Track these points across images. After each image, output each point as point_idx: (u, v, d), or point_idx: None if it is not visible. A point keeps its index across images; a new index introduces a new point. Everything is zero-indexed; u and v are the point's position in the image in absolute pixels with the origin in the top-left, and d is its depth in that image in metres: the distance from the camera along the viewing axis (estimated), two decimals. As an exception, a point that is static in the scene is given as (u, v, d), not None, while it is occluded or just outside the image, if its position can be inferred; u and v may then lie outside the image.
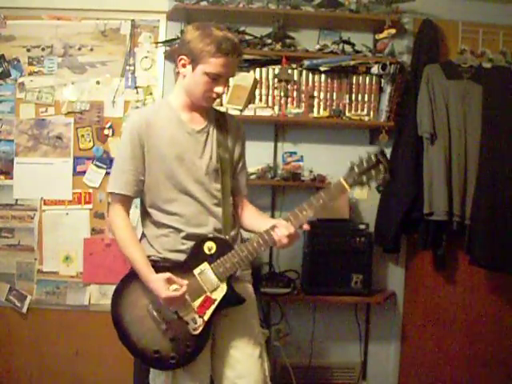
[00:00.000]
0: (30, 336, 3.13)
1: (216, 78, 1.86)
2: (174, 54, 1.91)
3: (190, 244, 1.93)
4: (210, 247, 1.90)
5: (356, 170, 1.85)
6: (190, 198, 1.94)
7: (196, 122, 1.99)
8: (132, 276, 1.95)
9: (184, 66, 1.90)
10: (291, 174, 3.02)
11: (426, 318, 3.25)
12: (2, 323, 3.13)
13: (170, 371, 1.93)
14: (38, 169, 3.10)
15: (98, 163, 3.11)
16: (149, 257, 1.95)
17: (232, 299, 1.90)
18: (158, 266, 1.92)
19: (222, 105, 2.86)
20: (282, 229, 1.84)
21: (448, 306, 3.24)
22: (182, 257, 1.93)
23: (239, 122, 2.13)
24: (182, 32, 2.95)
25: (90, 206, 3.12)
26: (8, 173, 3.11)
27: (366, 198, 3.17)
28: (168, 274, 1.85)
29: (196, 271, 1.89)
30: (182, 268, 1.90)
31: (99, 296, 3.13)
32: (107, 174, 3.10)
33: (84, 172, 3.11)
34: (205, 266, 1.89)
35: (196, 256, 1.90)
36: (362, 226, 2.98)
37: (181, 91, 1.97)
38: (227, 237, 1.96)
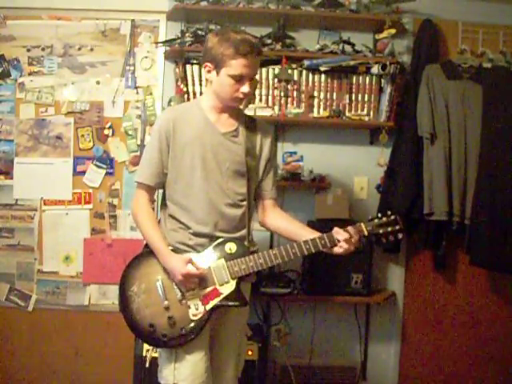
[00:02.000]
0: (29, 336, 3.13)
1: (240, 79, 1.97)
2: (203, 62, 2.07)
3: (197, 240, 2.04)
4: (230, 247, 2.02)
5: (376, 221, 2.04)
6: (204, 196, 2.03)
7: (223, 125, 2.09)
8: (149, 252, 2.08)
9: (209, 71, 2.02)
10: (291, 174, 3.02)
11: (426, 317, 3.25)
12: (2, 323, 3.13)
13: (174, 352, 2.02)
14: (38, 169, 3.10)
15: (97, 163, 3.11)
16: None
17: (236, 298, 2.01)
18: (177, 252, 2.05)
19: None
20: (344, 233, 2.00)
21: (448, 306, 3.24)
22: (189, 251, 2.04)
23: (268, 127, 2.23)
24: (181, 32, 2.95)
25: (90, 206, 3.11)
26: (8, 173, 3.11)
27: (366, 198, 3.18)
28: (189, 257, 1.99)
29: (212, 264, 2.01)
30: (200, 258, 2.02)
31: (99, 296, 3.13)
32: (107, 173, 3.11)
33: (84, 172, 3.11)
34: (221, 261, 2.01)
35: (216, 252, 2.03)
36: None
37: (210, 94, 2.08)
38: (233, 236, 2.07)
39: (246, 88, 1.98)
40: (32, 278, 3.12)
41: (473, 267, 3.03)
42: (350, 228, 2.01)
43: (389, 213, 2.05)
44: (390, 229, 2.03)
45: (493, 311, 3.24)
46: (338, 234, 2.01)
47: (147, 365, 2.35)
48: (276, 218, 2.20)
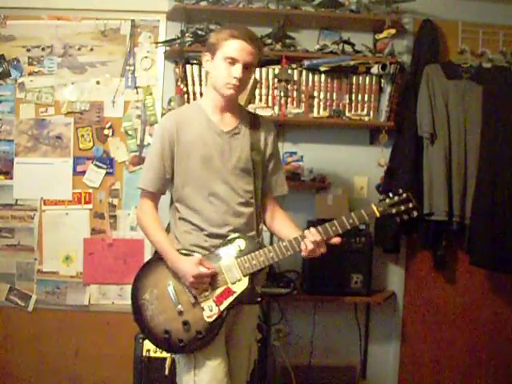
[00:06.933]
0: (29, 336, 3.13)
1: (232, 63, 1.95)
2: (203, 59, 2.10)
3: (212, 242, 2.01)
4: (240, 244, 1.99)
5: (387, 201, 1.98)
6: (215, 197, 2.02)
7: (226, 124, 2.07)
8: (157, 258, 2.05)
9: (207, 61, 2.03)
10: (291, 174, 3.02)
11: (426, 318, 3.25)
12: (2, 323, 3.13)
13: (192, 358, 1.98)
14: (37, 169, 3.10)
15: (97, 163, 3.11)
16: (177, 250, 2.02)
17: (250, 295, 1.98)
18: (187, 255, 2.01)
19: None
20: (310, 236, 1.94)
21: (448, 305, 3.24)
22: (203, 253, 2.01)
23: (271, 124, 2.21)
24: (181, 32, 2.95)
25: (90, 206, 3.11)
26: (8, 173, 3.11)
27: (366, 198, 3.18)
28: (199, 256, 1.97)
29: (222, 263, 1.99)
30: (210, 259, 2.00)
31: (99, 296, 3.13)
32: (107, 173, 3.11)
33: (84, 172, 3.11)
34: (231, 259, 1.98)
35: (226, 250, 2.00)
36: (362, 226, 2.98)
37: (210, 93, 2.08)
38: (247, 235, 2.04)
39: (236, 72, 1.94)
40: (32, 278, 3.12)
41: (473, 267, 3.03)
42: (313, 230, 1.94)
43: (400, 191, 1.99)
44: (403, 207, 1.97)
45: (493, 311, 3.23)
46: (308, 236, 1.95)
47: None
48: (272, 218, 2.16)
